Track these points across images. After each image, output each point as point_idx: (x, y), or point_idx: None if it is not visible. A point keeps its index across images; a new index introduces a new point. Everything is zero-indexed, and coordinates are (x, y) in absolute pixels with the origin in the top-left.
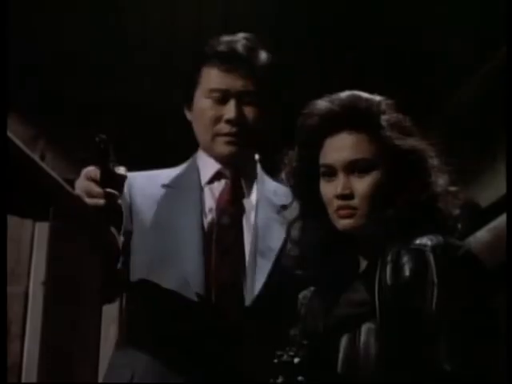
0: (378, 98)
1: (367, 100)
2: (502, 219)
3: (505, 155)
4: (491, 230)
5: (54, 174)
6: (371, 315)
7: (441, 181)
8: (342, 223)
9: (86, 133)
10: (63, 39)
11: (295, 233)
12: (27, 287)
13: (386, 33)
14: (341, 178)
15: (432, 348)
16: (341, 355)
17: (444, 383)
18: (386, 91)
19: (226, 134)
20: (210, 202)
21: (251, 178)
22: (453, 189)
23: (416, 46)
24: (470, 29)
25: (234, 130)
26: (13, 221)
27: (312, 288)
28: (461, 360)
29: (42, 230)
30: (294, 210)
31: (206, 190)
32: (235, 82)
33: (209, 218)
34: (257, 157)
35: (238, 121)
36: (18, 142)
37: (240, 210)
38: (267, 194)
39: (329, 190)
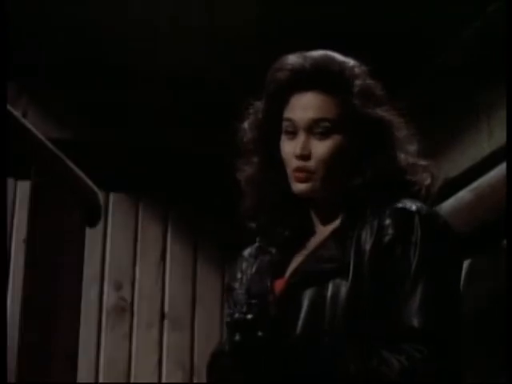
0: (351, 62)
1: (340, 63)
2: (483, 179)
3: (488, 114)
4: (473, 189)
5: (36, 132)
6: (340, 272)
7: (407, 153)
8: (298, 187)
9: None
10: None
11: (250, 186)
12: (9, 247)
13: None
14: (301, 138)
15: (402, 304)
16: (305, 305)
17: (408, 338)
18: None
19: None
20: None
21: None
22: (423, 162)
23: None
24: None
25: None
26: None
27: (257, 244)
28: (429, 318)
29: (23, 188)
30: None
31: None
32: None
33: None
34: None
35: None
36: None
37: None
38: None
39: (289, 148)
